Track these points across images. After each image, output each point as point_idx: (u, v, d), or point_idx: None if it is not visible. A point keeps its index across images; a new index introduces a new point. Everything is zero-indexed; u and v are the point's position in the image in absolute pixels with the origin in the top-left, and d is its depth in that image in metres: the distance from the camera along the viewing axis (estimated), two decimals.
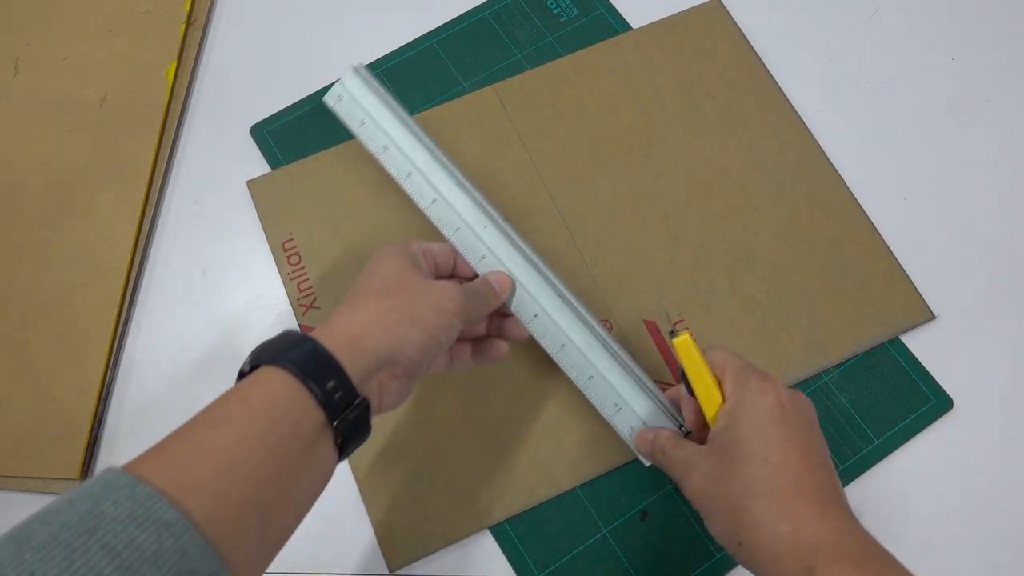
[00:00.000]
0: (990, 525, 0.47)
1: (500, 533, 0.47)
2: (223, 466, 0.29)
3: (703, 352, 0.40)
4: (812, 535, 0.33)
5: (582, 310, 0.46)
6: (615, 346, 0.46)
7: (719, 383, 0.39)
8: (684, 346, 0.40)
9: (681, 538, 0.46)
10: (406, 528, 0.47)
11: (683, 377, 0.40)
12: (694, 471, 0.38)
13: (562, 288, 0.47)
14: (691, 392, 0.40)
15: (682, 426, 0.44)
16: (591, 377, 0.46)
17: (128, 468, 0.28)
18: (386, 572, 0.47)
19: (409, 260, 0.41)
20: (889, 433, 0.49)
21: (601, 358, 0.46)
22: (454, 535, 0.47)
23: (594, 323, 0.46)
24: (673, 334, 0.41)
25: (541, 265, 0.47)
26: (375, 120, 0.49)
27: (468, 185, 0.48)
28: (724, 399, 0.39)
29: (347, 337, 0.35)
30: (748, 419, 0.37)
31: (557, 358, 0.46)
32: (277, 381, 0.32)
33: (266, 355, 0.34)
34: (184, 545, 0.27)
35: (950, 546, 0.47)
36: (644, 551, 0.47)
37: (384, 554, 0.47)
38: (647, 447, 0.42)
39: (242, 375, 0.34)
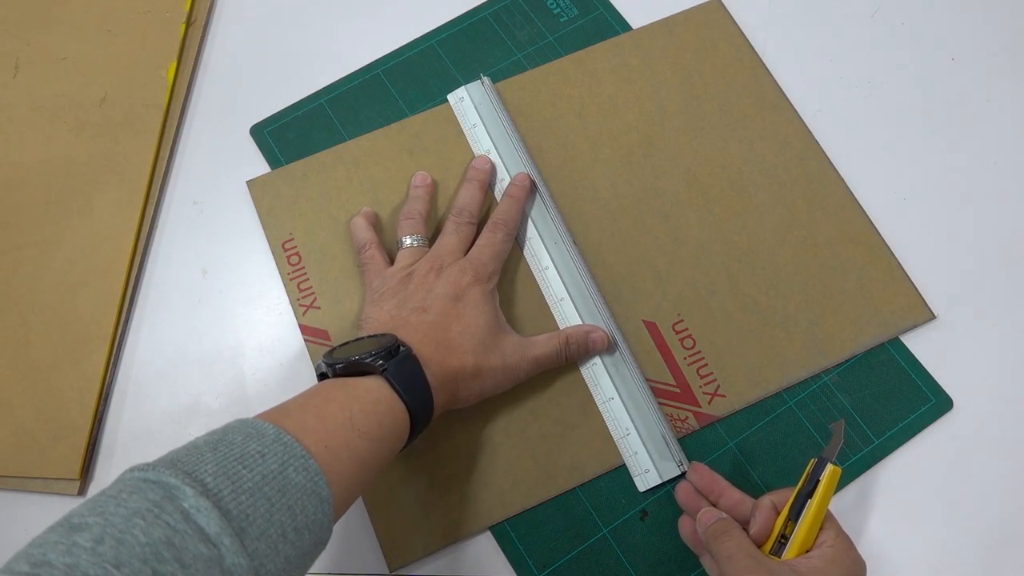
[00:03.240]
0: (990, 525, 0.47)
1: (500, 533, 0.47)
2: (361, 467, 0.37)
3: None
4: None
5: (618, 337, 0.50)
6: (638, 374, 0.49)
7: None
8: (833, 478, 0.41)
9: (681, 538, 0.46)
10: (406, 528, 0.47)
11: (799, 495, 0.41)
12: (764, 573, 0.39)
13: (601, 306, 0.50)
14: (794, 511, 0.41)
15: (681, 463, 0.47)
16: (611, 398, 0.49)
17: (290, 431, 0.35)
18: (386, 572, 0.47)
19: (496, 314, 0.48)
20: (889, 433, 0.49)
21: (624, 384, 0.49)
22: (454, 535, 0.47)
23: (626, 346, 0.50)
24: (824, 461, 0.41)
25: (590, 283, 0.51)
26: (486, 127, 0.56)
27: (549, 204, 0.53)
28: (816, 543, 0.41)
29: (445, 375, 0.44)
30: (841, 573, 0.39)
31: (585, 373, 0.50)
32: (400, 408, 0.40)
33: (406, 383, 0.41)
34: (326, 519, 0.35)
35: (950, 546, 0.47)
36: (644, 551, 0.47)
37: (384, 554, 0.47)
38: (709, 519, 0.42)
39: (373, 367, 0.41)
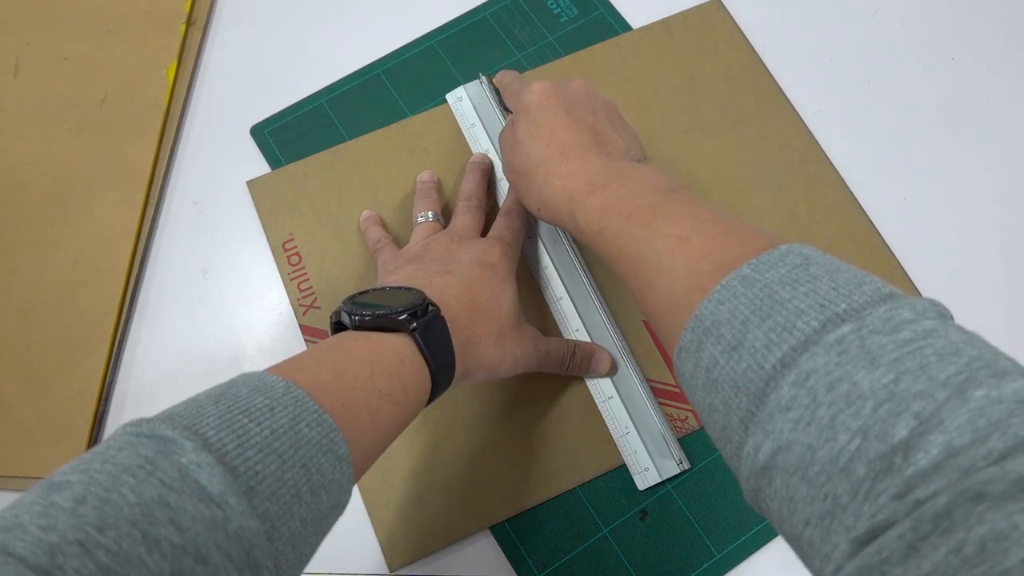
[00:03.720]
0: None
1: (500, 533, 0.47)
2: (380, 431, 0.34)
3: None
4: (572, 182, 0.41)
5: (618, 334, 0.50)
6: (637, 374, 0.49)
7: None
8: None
9: (681, 538, 0.46)
10: (406, 528, 0.47)
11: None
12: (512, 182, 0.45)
13: (601, 306, 0.50)
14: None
15: (681, 462, 0.47)
16: (610, 397, 0.49)
17: (301, 386, 0.31)
18: (386, 572, 0.47)
19: (517, 296, 0.46)
20: None
21: (624, 383, 0.49)
22: (454, 535, 0.47)
23: (625, 346, 0.49)
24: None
25: (589, 283, 0.50)
26: (484, 126, 0.56)
27: None
28: None
29: (468, 341, 0.40)
30: (522, 124, 0.44)
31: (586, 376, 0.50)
32: (425, 375, 0.37)
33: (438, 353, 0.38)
34: (344, 479, 0.31)
35: None
36: (644, 551, 0.47)
37: (384, 553, 0.47)
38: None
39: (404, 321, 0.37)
